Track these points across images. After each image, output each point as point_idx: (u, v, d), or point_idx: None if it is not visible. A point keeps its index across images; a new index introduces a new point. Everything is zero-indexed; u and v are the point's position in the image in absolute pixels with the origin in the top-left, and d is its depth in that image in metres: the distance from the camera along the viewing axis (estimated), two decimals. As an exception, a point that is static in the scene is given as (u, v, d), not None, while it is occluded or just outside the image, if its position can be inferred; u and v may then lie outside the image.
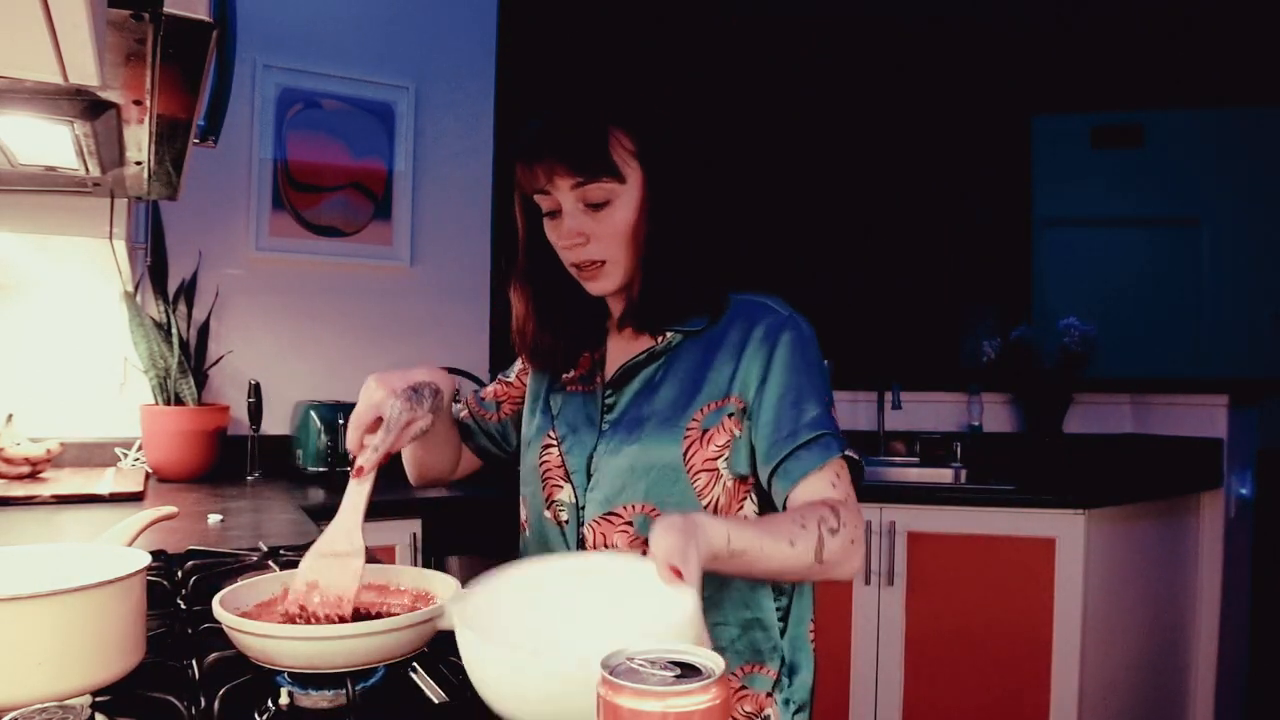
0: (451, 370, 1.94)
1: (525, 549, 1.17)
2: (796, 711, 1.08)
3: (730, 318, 1.08)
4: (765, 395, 1.03)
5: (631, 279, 1.06)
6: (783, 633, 1.08)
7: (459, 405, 1.29)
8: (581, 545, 1.07)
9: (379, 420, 0.96)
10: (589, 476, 1.07)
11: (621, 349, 1.12)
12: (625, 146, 1.02)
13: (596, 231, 1.02)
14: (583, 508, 1.07)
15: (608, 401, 1.10)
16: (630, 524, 1.04)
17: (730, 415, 1.04)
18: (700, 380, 1.05)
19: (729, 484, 1.04)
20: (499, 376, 1.29)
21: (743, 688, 1.05)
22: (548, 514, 1.11)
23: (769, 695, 1.06)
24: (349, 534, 0.91)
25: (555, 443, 1.12)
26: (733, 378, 1.04)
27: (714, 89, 4.28)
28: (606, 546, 1.05)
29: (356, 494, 0.94)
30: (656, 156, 1.04)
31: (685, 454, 1.03)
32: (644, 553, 0.85)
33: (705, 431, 1.03)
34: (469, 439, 1.27)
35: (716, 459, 1.03)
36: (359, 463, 0.95)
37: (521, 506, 1.18)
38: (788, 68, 4.81)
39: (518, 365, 1.26)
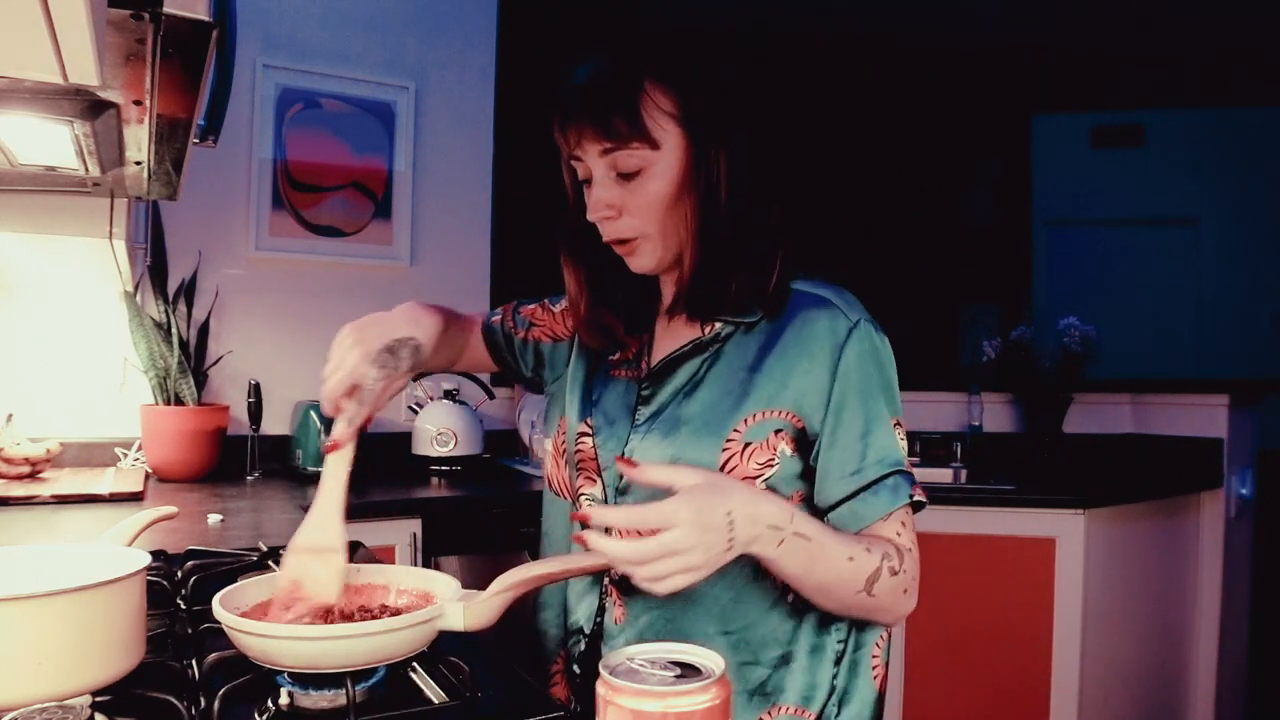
0: (455, 373, 1.92)
1: (546, 535, 1.09)
2: None
3: (789, 313, 0.94)
4: (831, 423, 0.92)
5: (679, 257, 0.95)
6: (838, 658, 0.97)
7: (496, 312, 1.22)
8: None
9: (355, 386, 0.90)
10: (620, 474, 0.96)
11: (670, 336, 1.02)
12: (662, 107, 0.90)
13: (629, 204, 0.91)
14: None
15: (644, 394, 0.99)
16: None
17: (779, 431, 0.92)
18: (748, 384, 0.93)
19: None
20: (545, 301, 1.20)
21: None
22: (579, 508, 1.03)
23: None
24: (327, 526, 0.87)
25: (590, 433, 1.01)
26: (785, 388, 0.92)
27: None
28: None
29: (335, 472, 0.88)
30: (701, 119, 0.91)
31: (723, 468, 0.91)
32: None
33: (748, 445, 0.91)
34: (492, 345, 1.20)
35: (756, 478, 0.91)
36: (333, 436, 0.88)
37: (547, 487, 1.10)
38: (786, 68, 4.80)
39: (564, 301, 1.15)
